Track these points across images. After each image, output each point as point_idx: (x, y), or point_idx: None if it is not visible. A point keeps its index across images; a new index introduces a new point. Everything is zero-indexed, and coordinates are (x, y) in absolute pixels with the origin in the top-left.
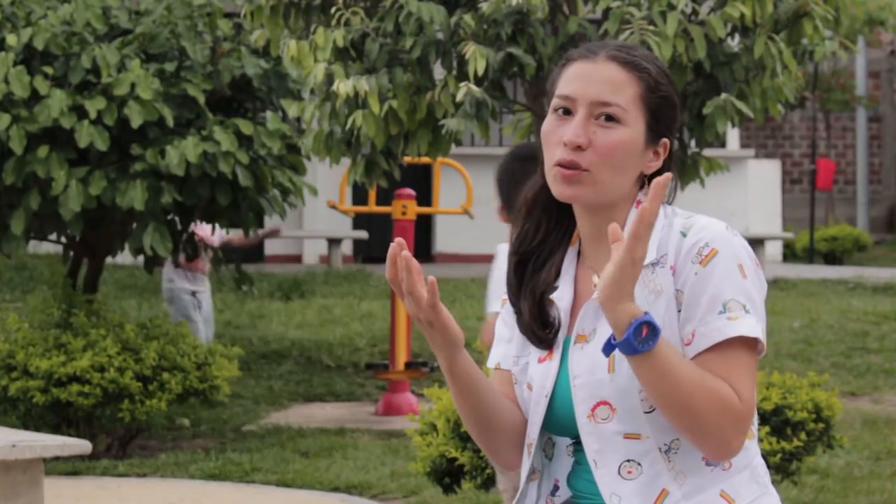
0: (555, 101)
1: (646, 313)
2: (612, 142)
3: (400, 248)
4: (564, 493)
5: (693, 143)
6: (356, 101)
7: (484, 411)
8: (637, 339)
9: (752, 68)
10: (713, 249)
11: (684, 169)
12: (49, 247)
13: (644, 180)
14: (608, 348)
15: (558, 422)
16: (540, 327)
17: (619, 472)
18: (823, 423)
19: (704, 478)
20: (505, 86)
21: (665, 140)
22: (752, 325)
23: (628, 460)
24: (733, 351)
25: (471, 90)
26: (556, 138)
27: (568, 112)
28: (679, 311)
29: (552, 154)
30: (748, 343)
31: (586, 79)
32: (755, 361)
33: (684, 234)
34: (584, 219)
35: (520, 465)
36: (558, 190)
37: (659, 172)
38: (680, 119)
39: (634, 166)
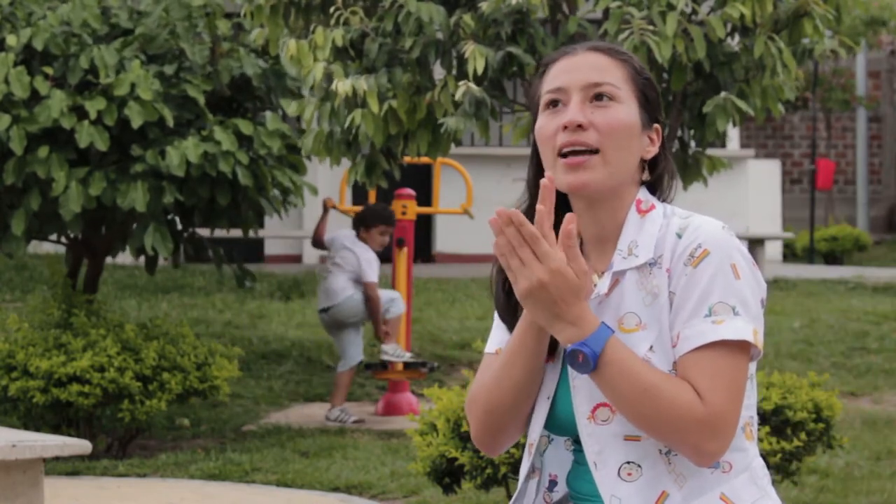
0: (545, 98)
1: (584, 341)
2: (612, 118)
3: (551, 191)
4: (563, 488)
5: (694, 143)
6: (355, 101)
7: (534, 371)
8: (573, 363)
9: (752, 68)
10: (705, 250)
11: (686, 168)
12: (49, 247)
13: (643, 171)
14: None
15: (560, 423)
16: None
17: (619, 474)
18: (823, 424)
19: (705, 480)
20: (505, 86)
21: (657, 125)
22: (739, 328)
23: (628, 462)
24: (714, 354)
25: (470, 88)
26: (552, 129)
27: (559, 105)
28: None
29: (551, 146)
30: (734, 346)
31: (573, 69)
32: (742, 363)
33: (679, 236)
34: (587, 216)
35: (501, 450)
36: (567, 180)
37: (655, 159)
38: (662, 106)
39: (636, 147)
